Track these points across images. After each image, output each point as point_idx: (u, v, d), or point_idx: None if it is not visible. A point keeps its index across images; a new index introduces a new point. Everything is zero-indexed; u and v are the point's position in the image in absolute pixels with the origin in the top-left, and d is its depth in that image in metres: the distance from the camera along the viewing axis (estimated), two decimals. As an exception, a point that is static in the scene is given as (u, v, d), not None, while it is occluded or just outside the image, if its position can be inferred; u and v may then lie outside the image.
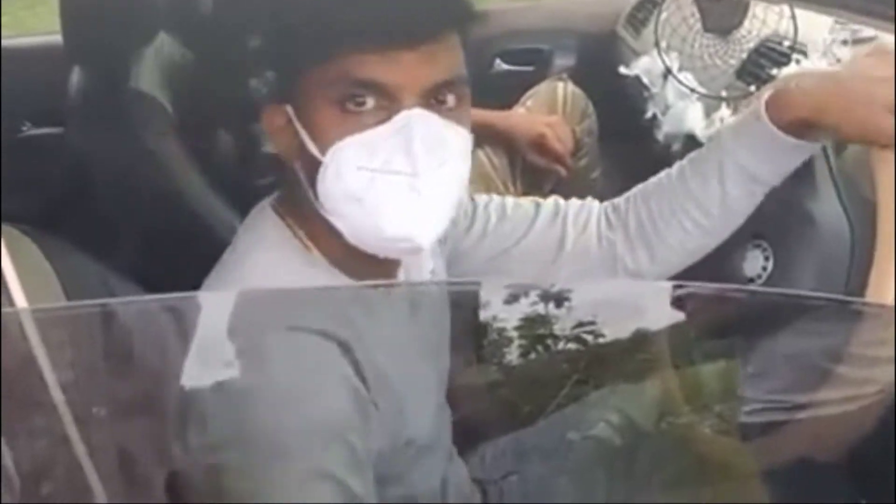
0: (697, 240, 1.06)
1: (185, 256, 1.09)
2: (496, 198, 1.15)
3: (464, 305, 1.11)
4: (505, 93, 1.94)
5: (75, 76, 1.75)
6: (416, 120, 0.85)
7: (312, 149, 0.87)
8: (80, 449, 0.66)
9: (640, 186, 1.10)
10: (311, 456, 0.79)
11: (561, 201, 1.13)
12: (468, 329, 1.15)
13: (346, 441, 0.82)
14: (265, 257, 0.91)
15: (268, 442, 0.77)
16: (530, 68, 2.33)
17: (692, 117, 1.43)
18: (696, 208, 1.04)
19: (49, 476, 0.68)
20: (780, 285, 1.04)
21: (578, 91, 1.91)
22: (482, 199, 1.14)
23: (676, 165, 1.07)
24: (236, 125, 1.93)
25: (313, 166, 0.87)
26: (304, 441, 0.79)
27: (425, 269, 1.05)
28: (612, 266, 1.09)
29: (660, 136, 1.48)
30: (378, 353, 0.88)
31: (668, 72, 1.46)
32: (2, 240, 1.19)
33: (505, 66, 2.35)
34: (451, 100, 0.88)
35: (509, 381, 1.26)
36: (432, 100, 0.86)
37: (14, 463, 0.63)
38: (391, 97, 0.85)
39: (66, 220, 1.69)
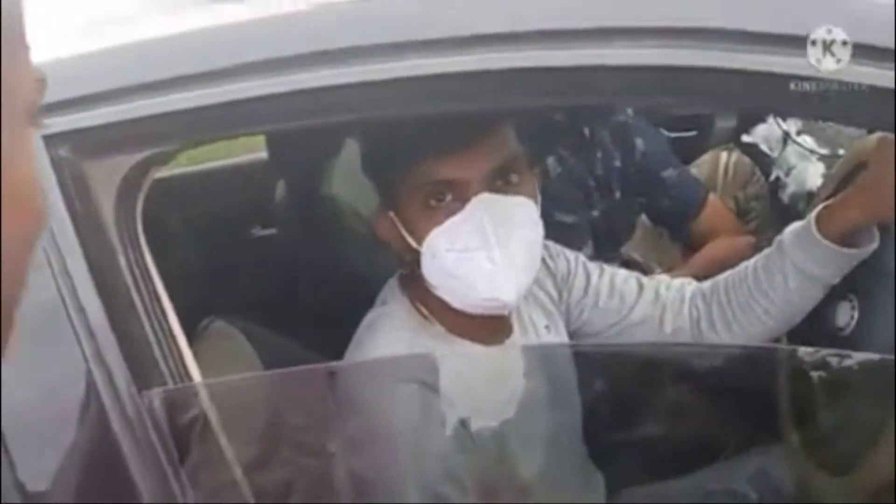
0: (767, 325, 1.20)
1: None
2: (606, 269, 1.29)
3: (594, 364, 1.26)
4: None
5: (279, 187, 2.08)
6: (484, 204, 1.04)
7: (412, 242, 1.08)
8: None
9: (724, 275, 1.25)
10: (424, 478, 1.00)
11: (662, 286, 1.28)
12: (607, 385, 1.29)
13: (449, 466, 1.01)
14: (394, 335, 1.12)
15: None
16: (692, 133, 2.42)
17: (814, 176, 1.49)
18: (765, 300, 1.18)
19: None
20: (865, 333, 1.11)
21: (744, 159, 2.00)
22: (594, 269, 1.29)
23: (752, 261, 1.21)
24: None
25: (416, 255, 1.08)
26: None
27: (539, 325, 1.22)
28: (698, 340, 1.23)
29: (785, 197, 1.55)
30: (477, 398, 1.07)
31: (786, 136, 1.53)
32: (213, 329, 1.47)
33: (670, 134, 2.46)
34: (513, 177, 1.06)
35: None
36: (497, 181, 1.05)
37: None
38: (462, 189, 1.04)
39: (274, 308, 2.00)
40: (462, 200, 1.05)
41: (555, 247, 1.29)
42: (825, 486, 1.13)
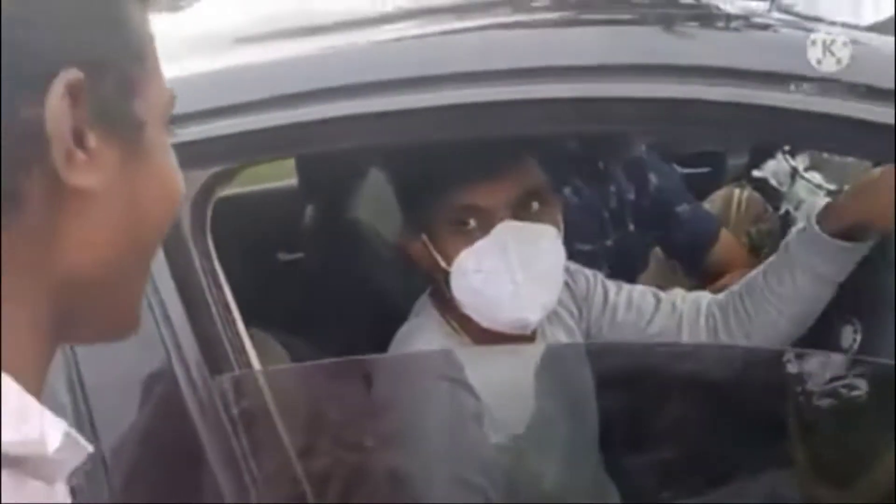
0: (780, 326, 1.26)
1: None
2: (624, 286, 1.38)
3: (610, 370, 1.33)
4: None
5: (308, 212, 2.18)
6: (507, 230, 1.12)
7: (442, 263, 1.16)
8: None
9: (739, 283, 1.32)
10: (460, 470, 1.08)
11: (678, 298, 1.35)
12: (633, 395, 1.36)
13: (484, 458, 1.10)
14: (427, 344, 1.21)
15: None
16: (706, 170, 2.50)
17: (822, 211, 1.57)
18: (777, 300, 1.25)
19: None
20: (867, 355, 1.19)
21: (756, 195, 2.06)
22: (612, 286, 1.38)
23: (763, 266, 1.29)
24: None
25: (446, 275, 1.17)
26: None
27: (560, 341, 1.30)
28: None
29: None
30: (499, 398, 1.15)
31: (795, 172, 1.62)
32: (252, 338, 1.56)
33: (683, 170, 2.54)
34: (534, 205, 1.15)
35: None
36: (521, 209, 1.14)
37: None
38: (487, 215, 1.13)
39: (306, 324, 2.08)
40: (487, 225, 1.14)
41: (574, 266, 1.37)
42: (829, 497, 1.20)
